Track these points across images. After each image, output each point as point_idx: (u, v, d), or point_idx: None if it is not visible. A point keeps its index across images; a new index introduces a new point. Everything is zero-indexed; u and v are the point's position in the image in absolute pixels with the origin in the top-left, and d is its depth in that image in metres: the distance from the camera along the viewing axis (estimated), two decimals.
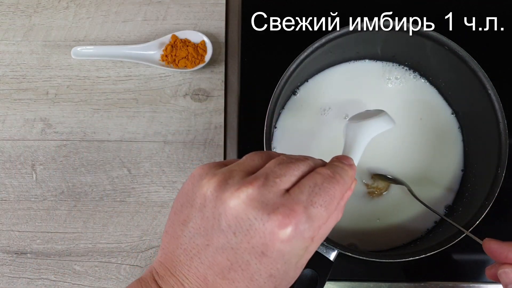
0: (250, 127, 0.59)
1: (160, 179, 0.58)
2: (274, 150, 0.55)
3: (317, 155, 0.56)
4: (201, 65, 0.59)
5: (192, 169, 0.58)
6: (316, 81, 0.58)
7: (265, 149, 0.48)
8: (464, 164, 0.55)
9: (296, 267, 0.31)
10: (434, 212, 0.49)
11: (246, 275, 0.29)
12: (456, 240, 0.46)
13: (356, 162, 0.39)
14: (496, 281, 0.37)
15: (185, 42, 0.59)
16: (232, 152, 0.58)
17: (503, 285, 0.35)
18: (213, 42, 0.60)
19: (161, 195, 0.57)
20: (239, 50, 0.62)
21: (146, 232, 0.57)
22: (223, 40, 0.62)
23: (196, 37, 0.60)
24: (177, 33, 0.60)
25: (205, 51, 0.59)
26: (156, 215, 0.57)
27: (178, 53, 0.59)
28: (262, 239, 0.28)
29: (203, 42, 0.59)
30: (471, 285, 0.55)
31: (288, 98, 0.57)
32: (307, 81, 0.57)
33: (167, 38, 0.60)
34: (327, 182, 0.31)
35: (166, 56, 0.59)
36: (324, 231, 0.31)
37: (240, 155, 0.58)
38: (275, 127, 0.56)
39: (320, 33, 0.51)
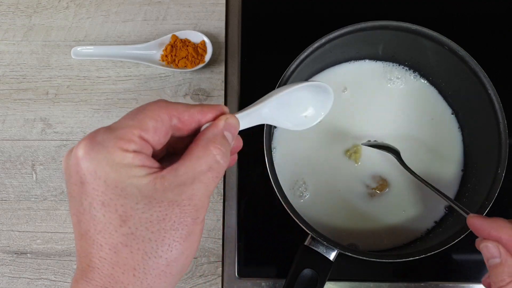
0: (250, 127, 0.59)
1: None
2: (274, 150, 0.55)
3: (317, 155, 0.56)
4: (201, 65, 0.59)
5: None
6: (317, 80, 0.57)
7: (265, 149, 0.48)
8: (464, 164, 0.55)
9: (149, 202, 0.27)
10: (426, 184, 0.48)
11: (88, 218, 0.27)
12: (456, 240, 0.46)
13: (246, 115, 0.37)
14: None
15: (185, 42, 0.59)
16: None
17: (484, 259, 0.36)
18: (213, 42, 0.60)
19: None
20: (239, 50, 0.61)
21: None
22: (223, 40, 0.62)
23: (196, 37, 0.60)
24: (177, 33, 0.60)
25: (205, 51, 0.59)
26: None
27: (178, 53, 0.59)
28: (75, 167, 0.27)
29: (203, 42, 0.59)
30: (471, 285, 0.55)
31: None
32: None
33: (167, 38, 0.60)
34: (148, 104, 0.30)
35: (166, 56, 0.59)
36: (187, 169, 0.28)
37: (240, 155, 0.58)
38: (275, 127, 0.56)
39: (320, 33, 0.51)
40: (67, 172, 0.28)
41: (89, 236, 0.27)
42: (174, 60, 0.59)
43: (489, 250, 0.35)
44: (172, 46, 0.59)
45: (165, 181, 0.28)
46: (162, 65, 0.59)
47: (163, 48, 0.60)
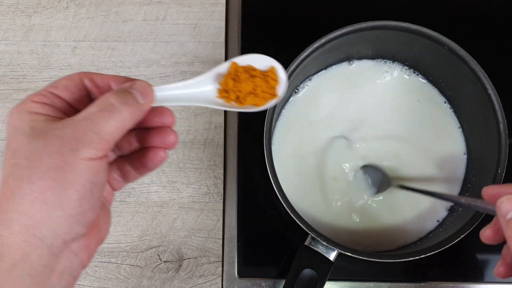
0: (250, 127, 0.59)
1: (160, 179, 0.58)
2: (273, 146, 0.55)
3: (317, 154, 0.56)
4: (274, 100, 0.40)
5: (192, 169, 0.58)
6: (316, 80, 0.58)
7: (265, 149, 0.48)
8: (465, 164, 0.55)
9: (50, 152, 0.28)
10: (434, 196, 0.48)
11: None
12: (456, 240, 0.46)
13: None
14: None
15: (249, 71, 0.41)
16: (232, 152, 0.58)
17: (501, 215, 0.35)
18: (213, 42, 0.60)
19: (161, 195, 0.58)
20: (239, 50, 0.62)
21: (146, 232, 0.57)
22: (223, 40, 0.62)
23: (262, 62, 0.41)
24: (236, 60, 0.41)
25: (276, 80, 0.40)
26: (156, 215, 0.57)
27: (243, 87, 0.41)
28: None
29: (273, 69, 0.41)
30: (471, 285, 0.55)
31: (288, 98, 0.57)
32: (307, 80, 0.58)
33: (224, 67, 0.41)
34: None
35: (227, 92, 0.40)
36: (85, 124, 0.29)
37: (240, 155, 0.58)
38: (275, 127, 0.56)
39: (320, 33, 0.51)
40: None
41: None
42: (238, 97, 0.41)
43: (510, 202, 0.35)
44: (233, 79, 0.41)
45: (58, 123, 0.30)
46: (222, 105, 0.40)
47: (220, 80, 0.41)
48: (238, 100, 0.41)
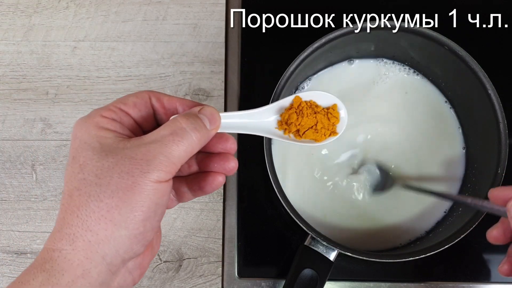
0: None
1: None
2: (273, 146, 0.55)
3: (317, 155, 0.56)
4: (333, 137, 0.42)
5: None
6: (317, 80, 0.58)
7: (265, 150, 0.48)
8: (464, 164, 0.55)
9: (113, 168, 0.28)
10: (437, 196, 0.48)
11: (65, 172, 0.30)
12: (456, 240, 0.46)
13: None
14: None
15: (312, 107, 0.42)
16: None
17: (510, 218, 0.36)
18: (213, 42, 0.60)
19: None
20: (239, 50, 0.62)
21: None
22: (223, 40, 0.62)
23: (325, 99, 0.42)
24: (300, 94, 0.42)
25: (337, 118, 0.41)
26: None
27: (304, 121, 0.41)
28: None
29: (335, 107, 0.42)
30: (471, 285, 0.55)
31: None
32: (307, 80, 0.58)
33: (287, 101, 0.41)
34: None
35: (288, 124, 0.41)
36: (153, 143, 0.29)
37: (240, 155, 0.58)
38: None
39: (320, 33, 0.51)
40: None
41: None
42: (298, 131, 0.41)
43: None
44: (296, 113, 0.41)
45: (128, 142, 0.30)
46: (281, 136, 0.41)
47: (282, 113, 0.41)
48: (297, 133, 0.41)
